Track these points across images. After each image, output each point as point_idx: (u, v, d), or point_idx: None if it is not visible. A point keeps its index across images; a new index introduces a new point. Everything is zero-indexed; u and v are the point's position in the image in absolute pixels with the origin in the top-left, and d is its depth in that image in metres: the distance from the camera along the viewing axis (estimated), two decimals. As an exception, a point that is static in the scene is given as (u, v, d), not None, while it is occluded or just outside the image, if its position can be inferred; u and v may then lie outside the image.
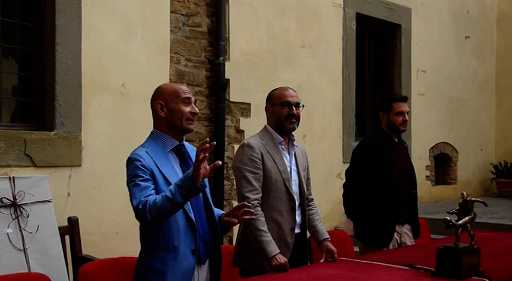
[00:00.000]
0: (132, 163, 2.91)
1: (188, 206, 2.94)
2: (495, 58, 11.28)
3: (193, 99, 3.10)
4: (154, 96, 3.08)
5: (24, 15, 5.10)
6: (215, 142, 2.88)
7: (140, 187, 2.84)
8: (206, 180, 3.06)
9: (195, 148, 3.20)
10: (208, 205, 3.13)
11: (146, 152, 2.95)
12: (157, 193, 2.86)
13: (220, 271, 3.17)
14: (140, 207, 2.78)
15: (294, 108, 3.73)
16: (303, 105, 3.83)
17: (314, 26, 7.61)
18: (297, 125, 3.78)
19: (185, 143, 3.18)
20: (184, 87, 3.10)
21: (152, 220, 2.80)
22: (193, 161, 3.01)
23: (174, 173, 2.98)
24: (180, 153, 3.09)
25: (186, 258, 2.92)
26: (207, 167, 2.76)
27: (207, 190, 3.11)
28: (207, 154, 2.69)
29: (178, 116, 3.01)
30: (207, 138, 2.75)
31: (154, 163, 2.92)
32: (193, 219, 2.96)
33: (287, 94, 3.76)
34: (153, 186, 2.88)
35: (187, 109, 3.03)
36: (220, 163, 2.80)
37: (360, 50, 8.46)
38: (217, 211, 3.25)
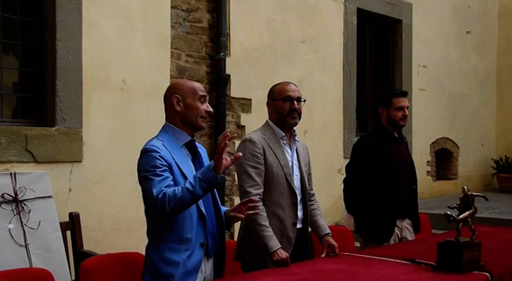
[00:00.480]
0: (149, 154, 2.92)
1: (201, 200, 2.97)
2: (496, 53, 11.27)
3: (207, 97, 3.15)
4: (172, 91, 3.12)
5: (25, 11, 5.10)
6: (236, 134, 2.91)
7: (160, 177, 2.86)
8: None
9: (202, 146, 3.32)
10: (215, 199, 3.17)
11: (163, 144, 2.98)
12: (174, 186, 2.89)
13: (224, 266, 3.21)
14: (160, 197, 2.81)
15: (295, 103, 3.73)
16: (304, 100, 3.83)
17: (315, 21, 7.60)
18: (299, 119, 3.78)
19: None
20: (201, 86, 3.14)
21: (170, 212, 2.83)
22: (202, 157, 3.17)
23: (188, 166, 3.04)
24: (192, 148, 3.14)
25: (196, 250, 2.97)
26: (228, 158, 2.83)
27: None
28: (228, 143, 2.78)
29: (194, 113, 3.06)
30: (229, 131, 2.83)
31: (171, 155, 2.96)
32: (204, 213, 3.01)
33: (288, 89, 3.76)
34: (171, 177, 2.91)
35: (203, 107, 3.08)
36: (241, 154, 2.92)
37: (360, 45, 8.45)
38: (222, 208, 3.28)
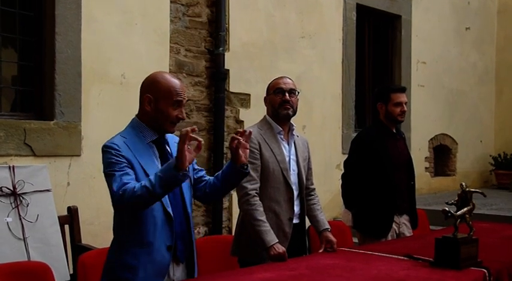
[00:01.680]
0: (108, 151, 2.78)
1: (166, 199, 2.83)
2: (495, 50, 11.28)
3: (184, 101, 2.92)
4: (146, 88, 2.93)
5: (24, 5, 5.09)
6: (196, 128, 2.75)
7: (121, 171, 2.71)
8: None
9: (174, 136, 3.07)
10: (183, 199, 2.97)
11: (124, 142, 2.83)
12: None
13: (194, 269, 3.03)
14: (120, 192, 2.65)
15: (287, 94, 3.71)
16: (298, 92, 3.82)
17: (314, 16, 7.60)
18: (292, 112, 3.75)
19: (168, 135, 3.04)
20: (179, 87, 2.89)
21: (127, 208, 2.71)
22: (172, 155, 2.93)
23: (153, 164, 2.84)
24: (160, 146, 2.95)
25: (160, 254, 2.80)
26: (192, 150, 2.65)
27: (186, 184, 2.96)
28: (191, 137, 2.59)
29: (164, 118, 2.86)
30: (194, 127, 2.64)
31: (132, 153, 2.80)
32: (171, 214, 2.85)
33: (280, 82, 3.76)
34: (133, 172, 2.76)
35: (175, 113, 2.86)
36: (196, 128, 2.66)
37: (360, 41, 8.45)
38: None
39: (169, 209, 2.85)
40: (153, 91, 2.88)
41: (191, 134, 2.59)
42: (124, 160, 2.76)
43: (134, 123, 2.94)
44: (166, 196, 2.80)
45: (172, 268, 2.92)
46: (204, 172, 3.21)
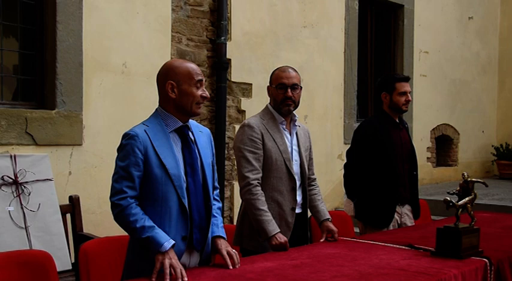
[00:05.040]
0: (127, 141, 2.83)
1: (182, 190, 2.86)
2: (498, 40, 11.23)
3: (204, 80, 2.98)
4: (166, 75, 2.92)
5: (25, -7, 5.08)
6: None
7: (125, 173, 2.79)
8: (208, 161, 3.02)
9: (201, 126, 3.16)
10: (206, 190, 3.00)
11: (145, 130, 2.85)
12: (146, 174, 2.80)
13: (209, 256, 3.06)
14: (116, 200, 2.77)
15: (289, 90, 3.68)
16: (301, 87, 3.79)
17: (316, 6, 7.57)
18: (294, 107, 3.74)
19: (191, 121, 3.07)
20: (197, 69, 2.95)
21: (114, 219, 2.83)
22: (196, 143, 3.00)
23: (172, 155, 2.86)
24: (183, 135, 2.97)
25: (176, 244, 2.80)
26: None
27: (209, 172, 3.02)
28: None
29: (189, 99, 2.89)
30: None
31: (151, 142, 2.82)
32: (186, 205, 2.87)
33: (283, 76, 3.71)
34: (138, 173, 2.80)
35: (199, 93, 2.91)
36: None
37: (362, 30, 8.43)
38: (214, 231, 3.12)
39: (185, 201, 2.87)
40: (174, 77, 2.90)
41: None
42: (139, 153, 2.80)
43: (157, 112, 2.97)
44: (184, 186, 2.86)
45: (188, 258, 2.95)
46: (215, 176, 3.20)
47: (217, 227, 3.09)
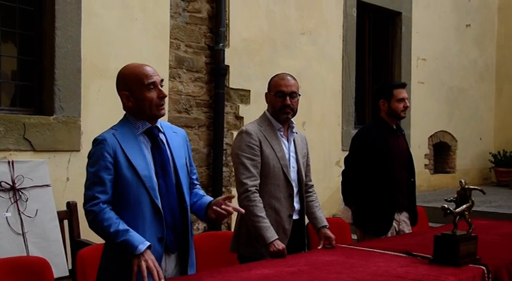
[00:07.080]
0: (96, 146, 2.84)
1: (155, 191, 2.84)
2: (495, 47, 11.27)
3: (159, 80, 2.90)
4: (118, 87, 2.95)
5: (24, -1, 5.09)
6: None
7: (97, 179, 2.78)
8: (182, 162, 3.00)
9: (176, 127, 3.14)
10: (180, 191, 2.97)
11: (113, 134, 2.85)
12: (117, 177, 2.79)
13: (188, 261, 3.00)
14: (89, 207, 2.76)
15: (287, 98, 3.69)
16: (299, 95, 3.80)
17: (314, 13, 7.59)
18: (292, 115, 3.74)
19: (161, 123, 3.03)
20: (147, 71, 2.89)
21: (89, 226, 2.82)
22: (166, 143, 2.97)
23: (141, 156, 2.84)
24: (152, 136, 2.94)
25: (153, 247, 2.76)
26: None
27: (183, 173, 2.99)
28: None
29: (146, 105, 2.86)
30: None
31: (120, 144, 2.81)
32: (160, 206, 2.84)
33: (282, 83, 3.72)
34: (109, 177, 2.79)
35: (154, 95, 2.86)
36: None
37: (360, 37, 8.45)
38: (207, 199, 3.11)
39: (158, 201, 2.85)
40: (125, 86, 2.91)
41: None
42: (108, 156, 2.79)
43: (126, 117, 2.97)
44: (156, 188, 2.85)
45: (165, 261, 2.92)
46: (196, 176, 3.22)
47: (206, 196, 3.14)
